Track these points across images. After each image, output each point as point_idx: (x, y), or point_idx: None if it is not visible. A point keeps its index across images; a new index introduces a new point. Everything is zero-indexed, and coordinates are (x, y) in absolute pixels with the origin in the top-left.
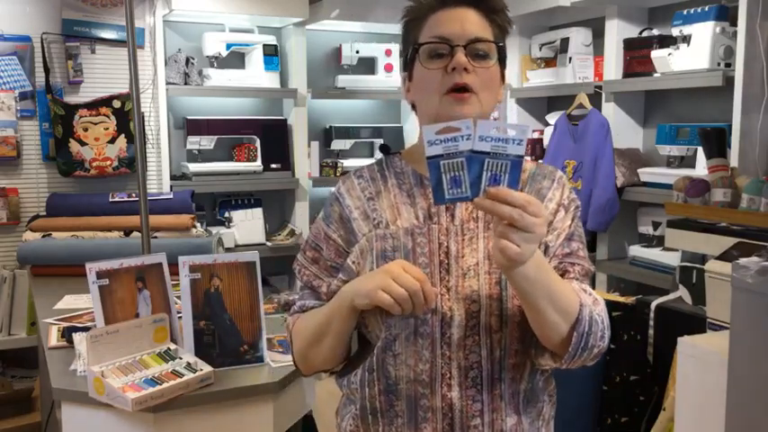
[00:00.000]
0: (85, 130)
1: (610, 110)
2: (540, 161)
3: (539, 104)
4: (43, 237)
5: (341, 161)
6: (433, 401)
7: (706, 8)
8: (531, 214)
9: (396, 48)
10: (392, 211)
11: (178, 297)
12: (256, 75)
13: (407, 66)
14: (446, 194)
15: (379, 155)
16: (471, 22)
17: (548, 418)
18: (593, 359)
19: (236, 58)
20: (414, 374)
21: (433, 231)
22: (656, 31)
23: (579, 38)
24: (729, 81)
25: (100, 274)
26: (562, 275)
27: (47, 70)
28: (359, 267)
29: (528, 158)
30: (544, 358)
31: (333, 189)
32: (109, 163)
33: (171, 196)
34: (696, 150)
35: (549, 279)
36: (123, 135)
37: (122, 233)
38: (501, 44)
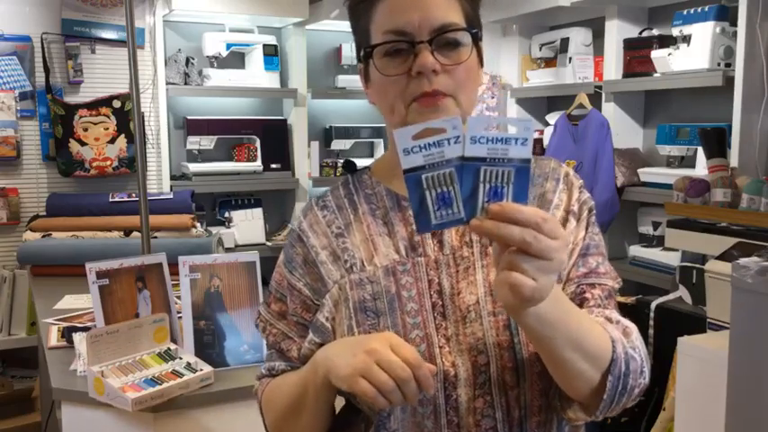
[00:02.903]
0: (85, 130)
1: (610, 110)
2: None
3: (539, 104)
4: (43, 237)
5: (341, 161)
6: None
7: (706, 8)
8: (548, 235)
9: None
10: (367, 247)
11: (178, 297)
12: (256, 75)
13: (362, 62)
14: (432, 219)
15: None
16: (434, 4)
17: None
18: (633, 400)
19: (236, 58)
20: None
21: (419, 267)
22: (656, 31)
23: (579, 38)
24: (729, 81)
25: (100, 274)
26: (580, 304)
27: (47, 70)
28: (334, 324)
29: None
30: (573, 410)
31: (292, 225)
32: (109, 163)
33: (171, 196)
34: (696, 150)
35: (571, 318)
36: (123, 135)
37: (122, 233)
38: (474, 30)
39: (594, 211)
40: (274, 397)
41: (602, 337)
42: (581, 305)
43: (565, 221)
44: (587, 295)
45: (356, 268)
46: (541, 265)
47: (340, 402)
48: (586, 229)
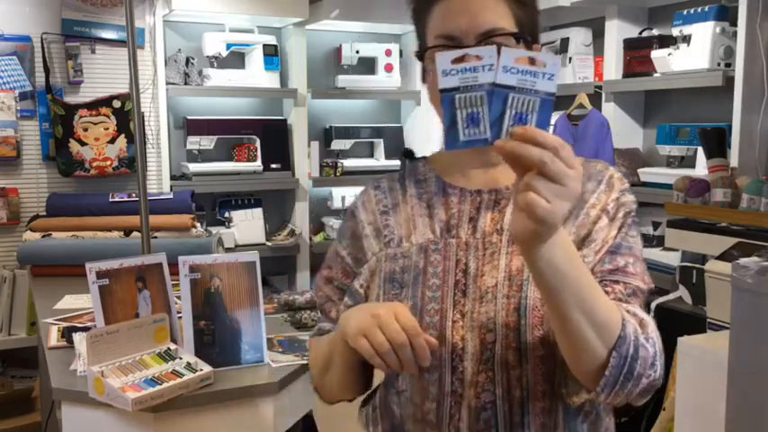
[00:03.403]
0: (85, 130)
1: (610, 110)
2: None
3: None
4: (43, 237)
5: (341, 161)
6: None
7: (706, 8)
8: (564, 161)
9: (396, 48)
10: (407, 226)
11: (178, 297)
12: (256, 75)
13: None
14: (461, 136)
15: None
16: (482, 9)
17: None
18: (641, 394)
19: (236, 58)
20: (421, 414)
21: (450, 247)
22: (656, 31)
23: (579, 38)
24: (729, 81)
25: (100, 274)
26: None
27: (47, 70)
28: (367, 291)
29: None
30: (578, 396)
31: (351, 203)
32: (109, 163)
33: (171, 196)
34: (696, 150)
35: (582, 277)
36: (123, 135)
37: (122, 233)
38: (520, 34)
39: (634, 215)
40: (315, 354)
41: (612, 309)
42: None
43: (597, 219)
44: (608, 289)
45: (393, 244)
46: (556, 189)
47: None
48: (620, 229)
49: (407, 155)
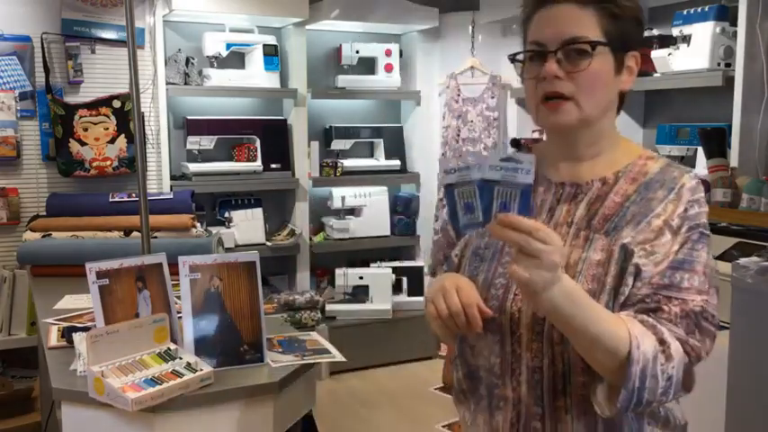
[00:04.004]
0: (85, 130)
1: None
2: (674, 163)
3: None
4: (43, 237)
5: (341, 161)
6: (505, 392)
7: (706, 8)
8: (539, 240)
9: (396, 48)
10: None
11: (178, 297)
12: (256, 75)
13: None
14: (461, 221)
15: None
16: (568, 20)
17: None
18: (659, 406)
19: (236, 58)
20: (488, 365)
21: None
22: (656, 31)
23: None
24: (729, 81)
25: (100, 274)
26: (654, 311)
27: (47, 70)
28: (461, 261)
29: (657, 156)
30: (598, 405)
31: None
32: (109, 163)
33: (171, 196)
34: (696, 150)
35: (587, 316)
36: (123, 135)
37: (122, 233)
38: (598, 42)
39: (701, 229)
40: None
41: (618, 339)
42: (654, 312)
43: (659, 231)
44: (663, 306)
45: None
46: (532, 263)
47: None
48: (683, 244)
49: (514, 144)
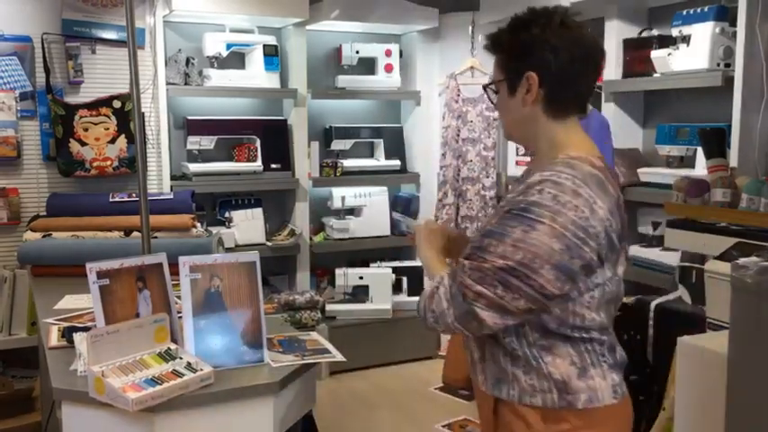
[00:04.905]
0: (86, 130)
1: (610, 110)
2: (562, 164)
3: None
4: (43, 237)
5: (341, 161)
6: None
7: (706, 8)
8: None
9: (396, 48)
10: None
11: (178, 297)
12: (256, 75)
13: None
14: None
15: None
16: (492, 66)
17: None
18: (445, 330)
19: (236, 59)
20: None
21: None
22: (655, 32)
23: None
24: (729, 81)
25: (100, 274)
26: (466, 260)
27: (47, 70)
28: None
29: (564, 159)
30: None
31: None
32: (109, 163)
33: (171, 196)
34: (696, 150)
35: (430, 265)
36: (123, 135)
37: (122, 233)
38: (489, 84)
39: (518, 211)
40: None
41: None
42: (466, 260)
43: (496, 211)
44: (466, 262)
45: None
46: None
47: None
48: (497, 218)
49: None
